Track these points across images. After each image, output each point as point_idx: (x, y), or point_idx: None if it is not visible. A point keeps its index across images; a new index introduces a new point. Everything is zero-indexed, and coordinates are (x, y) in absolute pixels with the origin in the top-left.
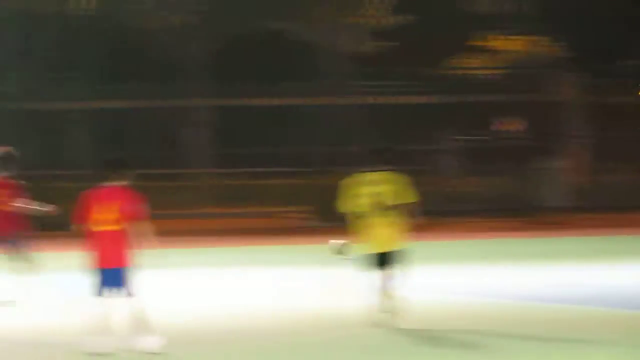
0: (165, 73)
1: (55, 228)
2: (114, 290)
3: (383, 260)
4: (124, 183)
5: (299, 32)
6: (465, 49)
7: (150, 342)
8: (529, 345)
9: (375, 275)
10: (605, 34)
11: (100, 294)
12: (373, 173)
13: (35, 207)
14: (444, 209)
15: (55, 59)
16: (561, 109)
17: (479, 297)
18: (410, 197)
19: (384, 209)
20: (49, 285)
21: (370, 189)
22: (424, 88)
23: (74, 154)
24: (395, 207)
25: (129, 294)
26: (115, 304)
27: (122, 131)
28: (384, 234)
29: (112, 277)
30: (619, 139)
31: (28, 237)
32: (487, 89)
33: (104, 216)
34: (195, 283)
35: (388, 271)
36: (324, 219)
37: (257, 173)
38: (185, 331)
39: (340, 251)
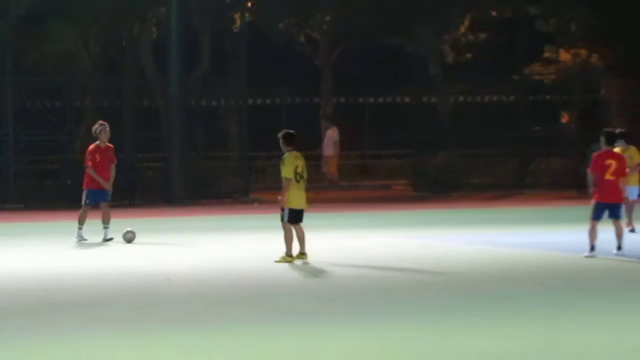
0: (303, 76)
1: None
2: None
3: None
4: None
5: (407, 44)
6: (537, 59)
7: None
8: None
9: None
10: None
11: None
12: None
13: None
14: (521, 184)
15: (217, 65)
16: (610, 106)
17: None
18: None
19: None
20: None
21: None
22: (506, 89)
23: (229, 140)
24: None
25: None
26: None
27: (265, 122)
28: None
29: None
30: None
31: None
32: (554, 91)
33: None
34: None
35: None
36: (418, 190)
37: (375, 154)
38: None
39: None
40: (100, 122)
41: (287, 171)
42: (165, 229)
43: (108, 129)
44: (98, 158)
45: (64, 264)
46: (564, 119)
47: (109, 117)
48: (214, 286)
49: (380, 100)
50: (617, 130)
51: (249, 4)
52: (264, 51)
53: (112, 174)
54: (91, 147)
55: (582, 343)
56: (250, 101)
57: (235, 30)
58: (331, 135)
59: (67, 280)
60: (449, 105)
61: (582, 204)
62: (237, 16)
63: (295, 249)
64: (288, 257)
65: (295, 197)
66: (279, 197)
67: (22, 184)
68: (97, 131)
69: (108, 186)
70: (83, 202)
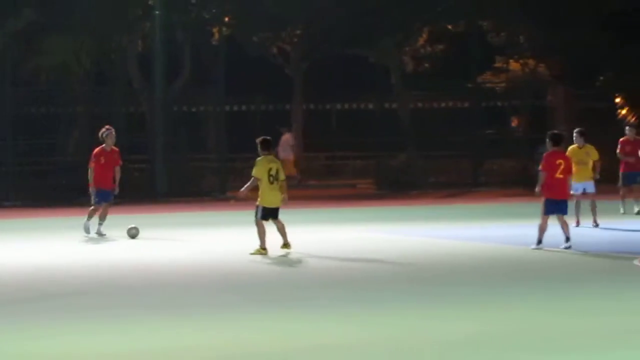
0: (275, 85)
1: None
2: None
3: None
4: None
5: (370, 55)
6: (489, 68)
7: None
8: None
9: None
10: (586, 56)
11: None
12: None
13: None
14: (474, 182)
15: (197, 74)
16: (555, 112)
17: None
18: None
19: None
20: None
21: None
22: (461, 96)
23: (209, 143)
24: None
25: None
26: None
27: (241, 127)
28: None
29: None
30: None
31: None
32: (504, 97)
33: None
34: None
35: None
36: (381, 188)
37: (341, 156)
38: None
39: None
40: (107, 126)
41: (256, 171)
42: (149, 225)
43: (114, 133)
44: (103, 160)
45: (55, 257)
46: (514, 123)
47: (99, 123)
48: (194, 276)
49: (346, 106)
50: (577, 130)
51: (227, 19)
52: (240, 62)
53: (118, 175)
54: (97, 149)
55: (531, 326)
56: (227, 108)
57: (214, 42)
58: (287, 139)
59: (53, 272)
60: (408, 111)
61: (529, 200)
62: (215, 30)
63: (277, 241)
64: (262, 249)
65: (268, 196)
66: (241, 190)
67: (20, 183)
68: (104, 135)
69: (114, 189)
70: (92, 201)
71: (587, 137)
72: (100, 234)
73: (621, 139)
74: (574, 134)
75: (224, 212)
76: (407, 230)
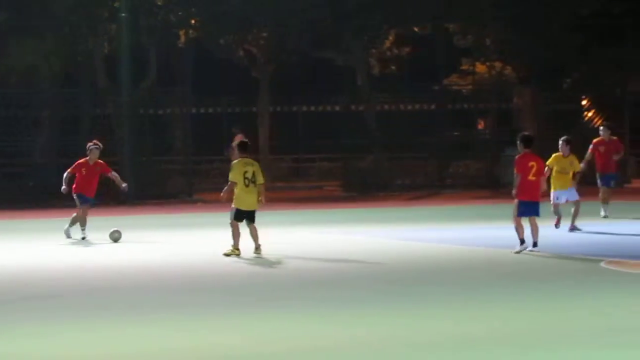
0: (242, 87)
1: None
2: None
3: None
4: None
5: (337, 58)
6: (455, 71)
7: None
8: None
9: None
10: (553, 58)
11: None
12: None
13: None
14: (441, 184)
15: (164, 77)
16: (521, 114)
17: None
18: None
19: None
20: None
21: None
22: (427, 98)
23: (175, 145)
24: None
25: None
26: None
27: (208, 129)
28: None
29: None
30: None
31: None
32: (471, 100)
33: None
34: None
35: None
36: (348, 190)
37: (308, 158)
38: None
39: None
40: (95, 142)
41: (232, 175)
42: (118, 227)
43: (98, 151)
44: (84, 172)
45: (23, 259)
46: (480, 125)
47: (66, 125)
48: (169, 278)
49: (313, 108)
50: (564, 138)
51: (193, 22)
52: (207, 64)
53: (117, 179)
54: (82, 160)
55: (506, 325)
56: (193, 110)
57: (180, 45)
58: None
59: (23, 274)
60: (375, 113)
61: (496, 202)
62: (182, 33)
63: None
64: (235, 249)
65: (242, 199)
66: (221, 194)
67: None
68: (89, 149)
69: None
70: (78, 205)
71: (573, 146)
72: (84, 238)
73: (595, 140)
74: (560, 142)
75: (192, 214)
76: (376, 232)
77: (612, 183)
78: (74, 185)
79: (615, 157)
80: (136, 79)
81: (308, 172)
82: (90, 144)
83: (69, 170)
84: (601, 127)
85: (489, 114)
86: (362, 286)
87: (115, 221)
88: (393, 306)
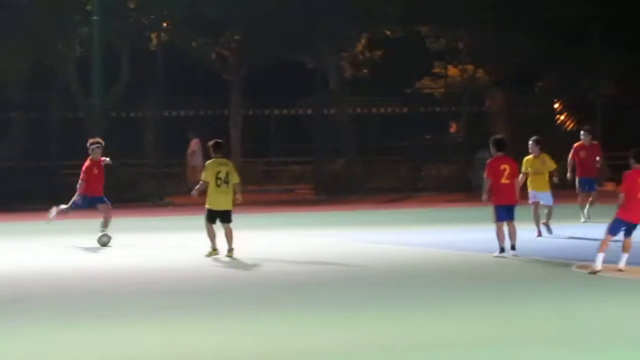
0: (214, 90)
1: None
2: None
3: None
4: None
5: (309, 61)
6: (428, 74)
7: None
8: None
9: None
10: (524, 63)
11: None
12: None
13: None
14: (413, 188)
15: (136, 80)
16: (494, 117)
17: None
18: None
19: None
20: None
21: None
22: (399, 102)
23: (146, 148)
24: None
25: None
26: None
27: (180, 132)
28: None
29: None
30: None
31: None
32: (443, 103)
33: None
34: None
35: None
36: (319, 193)
37: (280, 161)
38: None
39: None
40: (96, 140)
41: (204, 175)
42: (88, 230)
43: (100, 149)
44: (96, 171)
45: None
46: (452, 128)
47: (37, 128)
48: (146, 281)
49: (285, 112)
50: (533, 139)
51: (165, 25)
52: (179, 67)
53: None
54: (88, 162)
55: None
56: (166, 113)
57: (152, 48)
58: (196, 145)
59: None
60: (347, 116)
61: (468, 205)
62: (154, 36)
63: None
64: (213, 250)
65: (214, 199)
66: (192, 192)
67: None
68: (91, 148)
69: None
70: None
71: (543, 145)
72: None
73: (576, 144)
74: (530, 143)
75: (165, 217)
76: (349, 235)
77: (594, 187)
78: (82, 189)
79: (597, 162)
80: (108, 82)
81: (280, 175)
82: (92, 143)
83: (82, 177)
84: (582, 132)
85: (462, 117)
86: (337, 289)
87: (86, 224)
88: (368, 309)
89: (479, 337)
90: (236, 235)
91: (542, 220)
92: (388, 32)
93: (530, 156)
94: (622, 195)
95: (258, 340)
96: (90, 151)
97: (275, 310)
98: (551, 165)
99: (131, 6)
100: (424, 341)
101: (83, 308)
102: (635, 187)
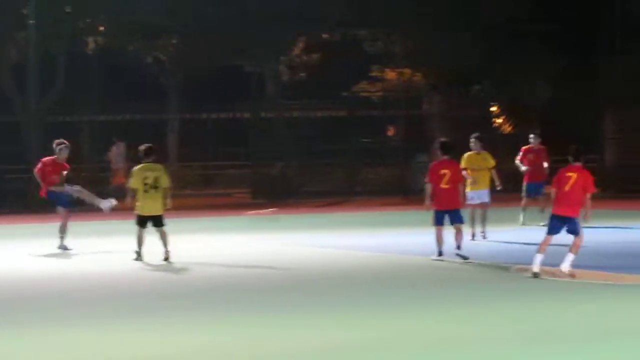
0: (151, 94)
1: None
2: None
3: None
4: None
5: (246, 65)
6: (365, 78)
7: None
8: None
9: None
10: (461, 66)
11: None
12: None
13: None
14: (351, 191)
15: (72, 84)
16: (430, 120)
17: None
18: None
19: None
20: None
21: None
22: (337, 105)
23: (84, 153)
24: None
25: None
26: None
27: (117, 136)
28: None
29: None
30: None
31: None
32: (380, 106)
33: None
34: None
35: None
36: (257, 197)
37: (217, 165)
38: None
39: None
40: (62, 140)
41: (132, 182)
42: (27, 235)
43: (68, 150)
44: (50, 170)
45: None
46: (390, 132)
47: None
48: (96, 286)
49: (222, 115)
50: (474, 135)
51: (101, 29)
52: (116, 71)
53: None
54: (47, 159)
55: (416, 334)
56: (102, 117)
57: (89, 52)
58: (121, 149)
59: None
60: (284, 120)
61: (406, 209)
62: (90, 40)
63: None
64: (137, 255)
65: (142, 204)
66: (125, 200)
67: None
68: (59, 149)
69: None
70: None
71: (485, 143)
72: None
73: (524, 147)
74: (471, 140)
75: (99, 221)
76: (283, 238)
77: (541, 191)
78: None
79: (545, 166)
80: (44, 87)
81: (217, 179)
82: (58, 144)
83: (37, 171)
84: (531, 135)
85: (399, 121)
86: (273, 291)
87: (23, 229)
88: (305, 311)
89: (422, 339)
90: (173, 239)
91: (480, 230)
92: (325, 35)
93: (472, 152)
94: (553, 191)
95: (189, 344)
96: (57, 152)
97: (205, 314)
98: (491, 162)
99: (67, 10)
100: (366, 343)
101: (41, 315)
102: (564, 180)
